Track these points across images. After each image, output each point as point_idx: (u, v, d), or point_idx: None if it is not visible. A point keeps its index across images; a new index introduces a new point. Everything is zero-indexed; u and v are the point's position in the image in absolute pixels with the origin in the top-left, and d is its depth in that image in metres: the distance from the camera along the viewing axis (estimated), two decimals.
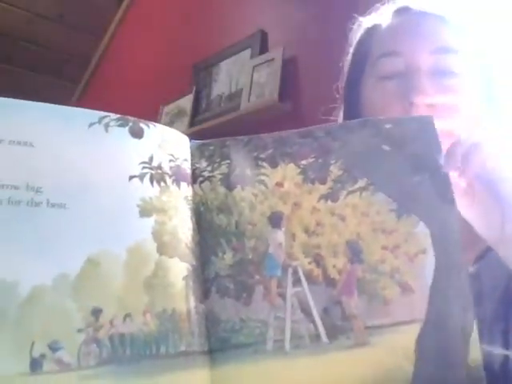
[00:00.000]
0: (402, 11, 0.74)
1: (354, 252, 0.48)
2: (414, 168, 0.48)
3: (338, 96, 0.85)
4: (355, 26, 0.82)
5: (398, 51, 0.70)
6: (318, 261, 0.47)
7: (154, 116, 2.58)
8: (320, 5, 1.95)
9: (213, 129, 2.23)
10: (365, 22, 0.80)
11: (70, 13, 3.03)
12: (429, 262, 0.47)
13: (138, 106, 2.69)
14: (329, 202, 0.49)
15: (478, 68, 0.70)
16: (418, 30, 0.71)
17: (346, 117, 0.82)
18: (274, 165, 0.49)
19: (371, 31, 0.77)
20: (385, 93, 0.71)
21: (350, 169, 0.49)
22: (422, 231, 0.48)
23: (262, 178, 0.49)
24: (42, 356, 0.37)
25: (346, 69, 0.82)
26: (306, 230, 0.48)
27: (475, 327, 0.45)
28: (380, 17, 0.77)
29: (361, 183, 0.48)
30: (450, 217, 0.48)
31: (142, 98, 2.79)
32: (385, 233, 0.48)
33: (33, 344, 0.37)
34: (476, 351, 0.45)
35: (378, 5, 0.79)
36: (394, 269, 0.47)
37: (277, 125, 1.99)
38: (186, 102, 2.47)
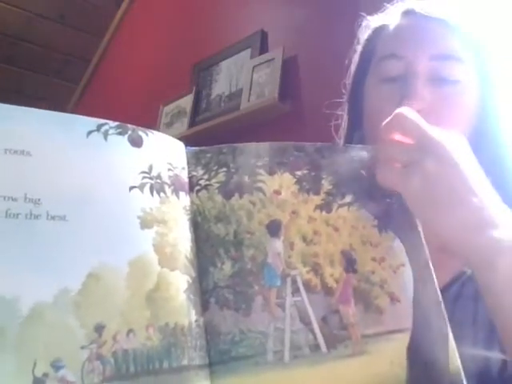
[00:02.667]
0: (408, 13, 0.73)
1: (349, 261, 0.49)
2: (386, 192, 0.52)
3: (344, 92, 0.85)
4: (363, 25, 0.81)
5: (400, 55, 0.70)
6: (316, 269, 0.48)
7: (154, 116, 2.58)
8: (320, 5, 1.94)
9: (213, 129, 2.22)
10: (373, 22, 0.79)
11: (70, 13, 3.03)
12: (408, 274, 0.50)
13: (138, 106, 2.70)
14: (323, 213, 0.50)
15: (479, 75, 0.70)
16: (420, 34, 0.70)
17: (350, 115, 0.82)
18: (271, 172, 0.49)
19: (378, 31, 0.77)
20: (382, 96, 0.70)
21: (338, 185, 0.51)
22: (398, 246, 0.51)
23: (260, 185, 0.49)
24: (45, 375, 0.36)
25: (352, 67, 0.82)
26: (304, 239, 0.48)
27: (451, 336, 0.47)
28: (388, 17, 0.76)
29: (347, 199, 0.51)
30: (416, 235, 0.51)
31: (142, 97, 2.79)
32: (372, 245, 0.51)
33: (35, 363, 0.35)
34: (455, 359, 0.47)
35: (386, 4, 0.78)
36: (382, 280, 0.49)
37: (277, 125, 1.99)
38: (186, 101, 2.47)
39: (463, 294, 0.67)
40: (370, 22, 0.80)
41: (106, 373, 0.37)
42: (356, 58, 0.81)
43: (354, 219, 0.51)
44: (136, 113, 2.57)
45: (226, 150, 0.50)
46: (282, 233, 0.48)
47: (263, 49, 2.17)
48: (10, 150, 0.39)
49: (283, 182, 0.49)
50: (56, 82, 3.29)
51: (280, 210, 0.49)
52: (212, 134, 2.21)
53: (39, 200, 0.39)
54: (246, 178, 0.49)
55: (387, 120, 0.53)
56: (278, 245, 0.47)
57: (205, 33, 2.49)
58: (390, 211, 0.52)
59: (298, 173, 0.50)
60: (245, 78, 2.17)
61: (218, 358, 0.43)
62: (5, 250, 0.37)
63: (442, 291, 0.50)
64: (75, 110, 3.25)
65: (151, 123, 2.48)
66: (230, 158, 0.49)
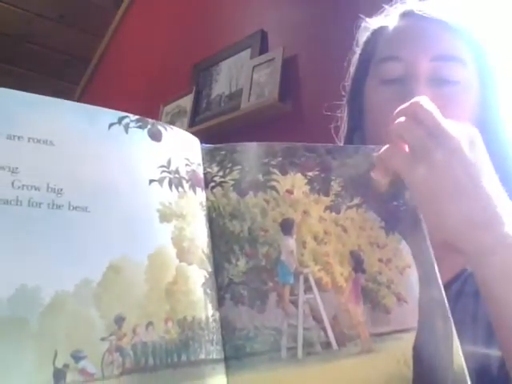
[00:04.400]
0: (407, 15, 0.74)
1: (357, 262, 0.50)
2: (393, 194, 0.53)
3: (344, 94, 0.85)
4: (362, 27, 0.81)
5: (399, 56, 0.70)
6: (327, 269, 0.49)
7: (154, 116, 2.59)
8: (320, 5, 1.95)
9: (213, 128, 2.23)
10: (372, 23, 0.80)
11: (70, 13, 3.03)
12: (414, 275, 0.51)
13: (139, 106, 2.70)
14: (333, 214, 0.51)
15: (480, 76, 0.70)
16: (419, 36, 0.71)
17: (349, 116, 0.83)
18: (283, 172, 0.50)
19: (377, 33, 0.77)
20: (383, 97, 0.71)
21: (347, 187, 0.52)
22: (405, 248, 0.52)
23: (273, 183, 0.50)
24: (66, 366, 0.35)
25: (352, 68, 0.82)
26: (316, 238, 0.49)
27: (455, 336, 0.48)
28: (387, 18, 0.77)
29: (356, 201, 0.52)
30: (422, 237, 0.52)
31: (142, 97, 2.79)
32: (379, 247, 0.52)
33: (56, 354, 0.35)
34: (459, 358, 0.48)
35: (385, 6, 0.79)
36: (389, 280, 0.50)
37: (277, 125, 1.99)
38: (186, 101, 2.48)
39: (464, 292, 0.68)
40: (369, 24, 0.80)
41: (125, 365, 0.37)
42: (355, 59, 0.82)
43: (362, 221, 0.52)
44: (136, 113, 2.56)
45: (239, 149, 0.50)
46: (295, 231, 0.49)
47: (263, 49, 2.18)
48: (33, 138, 0.39)
49: (295, 182, 0.50)
50: (56, 82, 3.29)
51: (292, 209, 0.49)
52: (212, 134, 2.21)
53: (61, 190, 0.39)
54: (260, 177, 0.50)
55: (402, 106, 0.53)
56: (290, 243, 0.48)
57: (205, 33, 2.50)
58: (397, 213, 0.53)
59: (310, 173, 0.51)
60: (245, 78, 2.17)
61: (233, 353, 0.43)
62: (27, 239, 0.36)
63: (443, 289, 0.51)
64: None
65: None
66: (244, 157, 0.50)
